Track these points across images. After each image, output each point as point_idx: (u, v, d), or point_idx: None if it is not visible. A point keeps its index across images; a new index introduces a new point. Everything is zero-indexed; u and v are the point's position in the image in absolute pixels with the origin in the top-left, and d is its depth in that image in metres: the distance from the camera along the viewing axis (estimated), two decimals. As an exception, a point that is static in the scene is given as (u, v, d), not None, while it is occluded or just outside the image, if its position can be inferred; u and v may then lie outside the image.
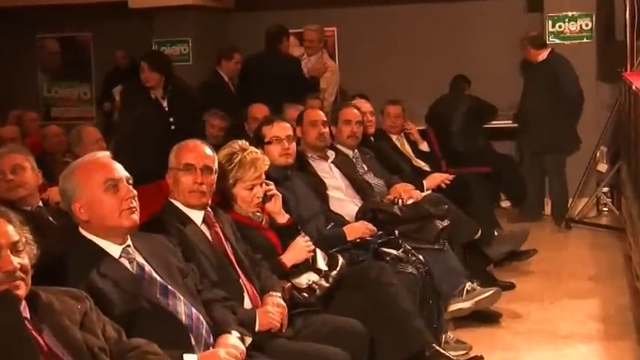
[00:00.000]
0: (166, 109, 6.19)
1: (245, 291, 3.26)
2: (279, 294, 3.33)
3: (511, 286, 5.43)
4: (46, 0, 9.31)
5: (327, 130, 5.04)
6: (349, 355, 3.04)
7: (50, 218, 3.74)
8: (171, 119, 6.16)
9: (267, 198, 3.80)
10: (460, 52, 8.69)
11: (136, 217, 2.77)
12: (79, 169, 2.77)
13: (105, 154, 2.87)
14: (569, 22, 7.66)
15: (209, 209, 3.38)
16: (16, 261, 2.20)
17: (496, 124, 8.17)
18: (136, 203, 2.78)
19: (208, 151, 3.39)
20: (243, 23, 9.02)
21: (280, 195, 3.88)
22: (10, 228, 2.24)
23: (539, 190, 7.71)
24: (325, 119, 5.07)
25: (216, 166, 3.41)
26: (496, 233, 5.74)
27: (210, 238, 3.31)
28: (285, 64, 7.46)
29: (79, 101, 10.32)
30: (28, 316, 2.21)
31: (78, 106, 10.32)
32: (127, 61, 9.32)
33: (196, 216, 3.33)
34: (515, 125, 7.91)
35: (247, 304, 3.23)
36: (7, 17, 9.46)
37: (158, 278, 2.76)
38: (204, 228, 3.33)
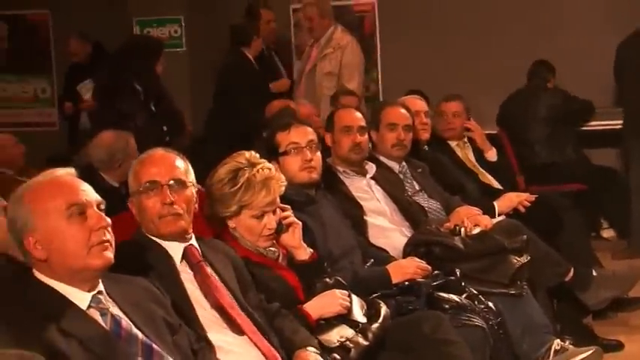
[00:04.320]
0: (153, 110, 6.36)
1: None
2: (316, 350, 3.35)
3: (617, 346, 5.37)
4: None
5: (365, 137, 5.06)
6: None
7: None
8: (165, 128, 6.28)
9: (282, 227, 3.83)
10: (543, 32, 8.69)
11: (109, 254, 2.80)
12: (33, 192, 2.80)
13: (68, 172, 2.88)
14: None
15: (193, 243, 3.39)
16: None
17: (593, 126, 8.14)
18: (110, 236, 2.80)
19: (178, 162, 3.41)
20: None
21: (300, 223, 3.90)
22: None
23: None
24: (363, 124, 5.09)
25: (191, 178, 3.42)
26: (595, 273, 5.69)
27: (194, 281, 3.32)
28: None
29: (35, 101, 10.44)
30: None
31: (34, 107, 10.44)
32: (87, 48, 9.23)
33: (174, 251, 3.35)
34: (619, 126, 7.86)
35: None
36: None
37: (139, 335, 2.78)
38: (183, 268, 3.34)
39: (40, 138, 9.08)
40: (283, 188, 3.78)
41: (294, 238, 3.88)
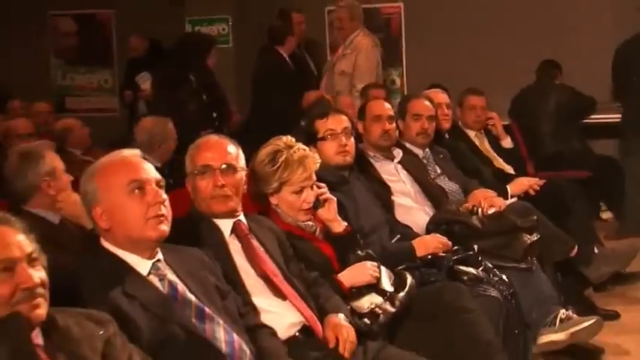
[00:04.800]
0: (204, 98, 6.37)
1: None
2: (346, 317, 3.31)
3: (615, 316, 5.32)
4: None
5: (393, 126, 5.03)
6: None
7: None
8: (215, 114, 6.30)
9: (319, 203, 3.80)
10: (550, 34, 8.61)
11: (164, 227, 2.78)
12: (101, 169, 2.80)
13: (134, 152, 2.88)
14: None
15: (242, 218, 3.35)
16: (36, 275, 2.22)
17: (595, 119, 8.05)
18: (165, 210, 2.78)
19: (230, 148, 3.37)
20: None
21: (335, 199, 3.88)
22: (22, 237, 2.25)
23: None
24: (392, 113, 5.07)
25: (241, 163, 3.39)
26: (596, 250, 5.65)
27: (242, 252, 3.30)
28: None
29: (99, 90, 10.48)
30: (41, 343, 2.22)
31: (98, 95, 10.48)
32: (144, 44, 9.35)
33: (224, 226, 3.32)
34: (618, 119, 7.73)
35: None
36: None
37: (193, 299, 2.77)
38: (231, 240, 3.31)
39: (103, 122, 9.16)
40: (318, 165, 3.74)
41: (329, 212, 3.85)
